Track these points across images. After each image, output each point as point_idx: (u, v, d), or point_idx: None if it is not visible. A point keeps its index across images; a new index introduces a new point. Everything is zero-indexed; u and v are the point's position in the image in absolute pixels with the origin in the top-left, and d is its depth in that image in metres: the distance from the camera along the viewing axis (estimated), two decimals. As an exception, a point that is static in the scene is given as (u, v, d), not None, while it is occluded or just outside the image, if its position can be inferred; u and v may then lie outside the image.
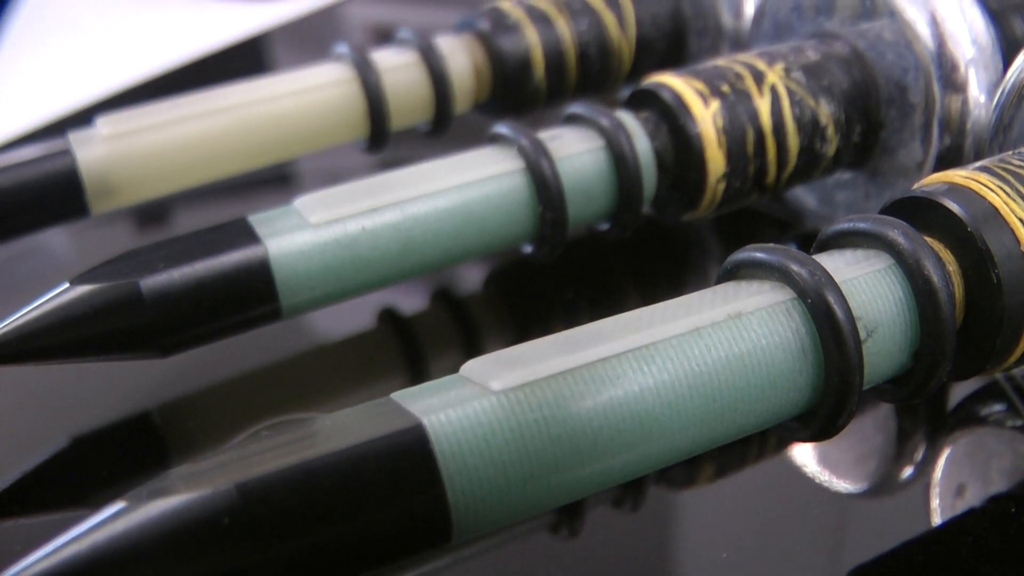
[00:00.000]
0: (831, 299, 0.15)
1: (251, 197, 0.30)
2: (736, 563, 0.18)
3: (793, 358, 0.16)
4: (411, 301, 0.25)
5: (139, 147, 0.23)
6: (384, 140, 0.26)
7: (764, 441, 0.21)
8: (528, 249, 0.22)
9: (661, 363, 0.15)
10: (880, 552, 0.18)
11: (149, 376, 0.22)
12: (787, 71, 0.22)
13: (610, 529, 0.19)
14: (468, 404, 0.14)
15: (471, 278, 0.26)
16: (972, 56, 0.22)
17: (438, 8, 0.44)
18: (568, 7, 0.27)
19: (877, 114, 0.23)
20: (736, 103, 0.22)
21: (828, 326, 0.15)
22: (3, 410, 0.22)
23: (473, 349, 0.24)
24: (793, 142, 0.22)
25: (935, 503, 0.19)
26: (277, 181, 0.32)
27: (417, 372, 0.24)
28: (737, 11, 0.27)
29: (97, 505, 0.13)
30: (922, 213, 0.17)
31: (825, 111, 0.22)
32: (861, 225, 0.17)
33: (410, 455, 0.13)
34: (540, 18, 0.27)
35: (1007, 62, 0.22)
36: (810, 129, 0.22)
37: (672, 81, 0.22)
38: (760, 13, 0.25)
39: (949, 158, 0.22)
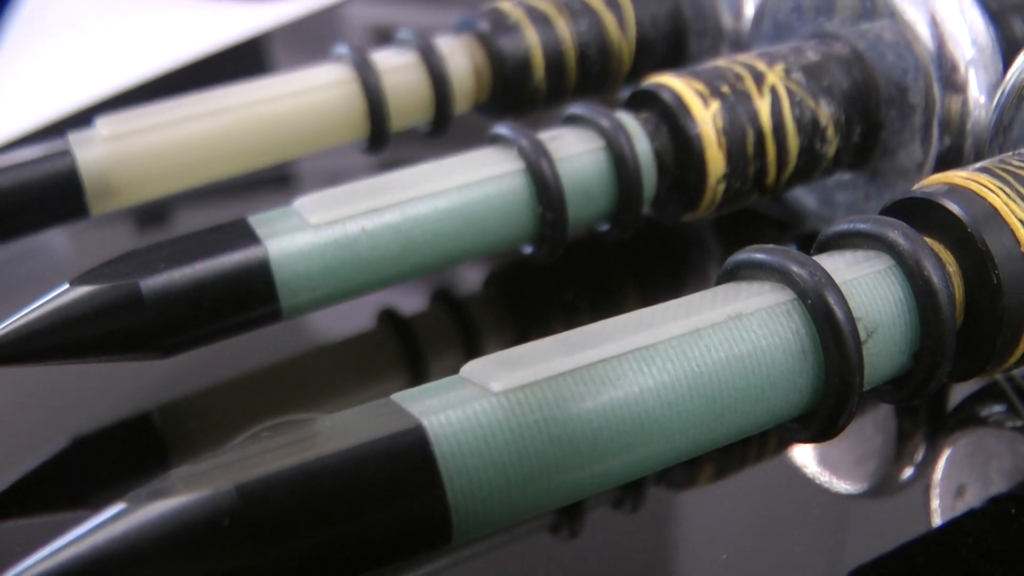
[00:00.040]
0: (831, 300, 0.15)
1: (251, 198, 0.30)
2: (736, 564, 0.18)
3: (793, 359, 0.16)
4: (411, 302, 0.25)
5: (139, 148, 0.23)
6: (384, 141, 0.26)
7: (764, 442, 0.21)
8: (528, 250, 0.22)
9: (661, 364, 0.15)
10: (880, 553, 0.18)
11: (149, 377, 0.22)
12: (787, 72, 0.22)
13: (610, 530, 0.19)
14: (468, 405, 0.14)
15: (471, 279, 0.26)
16: (972, 57, 0.22)
17: (438, 9, 0.44)
18: (568, 8, 0.27)
19: (877, 115, 0.23)
20: (736, 104, 0.22)
21: (828, 327, 0.15)
22: (3, 411, 0.22)
23: (473, 350, 0.24)
24: (793, 143, 0.22)
25: (935, 504, 0.19)
26: (277, 182, 0.32)
27: (417, 373, 0.24)
28: (737, 12, 0.27)
29: (97, 506, 0.13)
30: (922, 214, 0.17)
31: (825, 112, 0.22)
32: (861, 226, 0.17)
33: (410, 456, 0.13)
34: (540, 19, 0.27)
35: (1007, 63, 0.22)
36: (810, 130, 0.22)
37: (672, 82, 0.22)
38: (760, 14, 0.25)
39: (949, 159, 0.22)
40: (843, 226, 0.17)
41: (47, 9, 0.45)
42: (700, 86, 0.22)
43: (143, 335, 0.19)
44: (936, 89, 0.22)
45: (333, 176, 0.29)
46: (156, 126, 0.24)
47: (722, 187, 0.22)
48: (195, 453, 0.21)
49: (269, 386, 0.23)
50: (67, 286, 0.19)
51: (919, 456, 0.21)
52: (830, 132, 0.23)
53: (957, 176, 0.18)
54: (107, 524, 0.12)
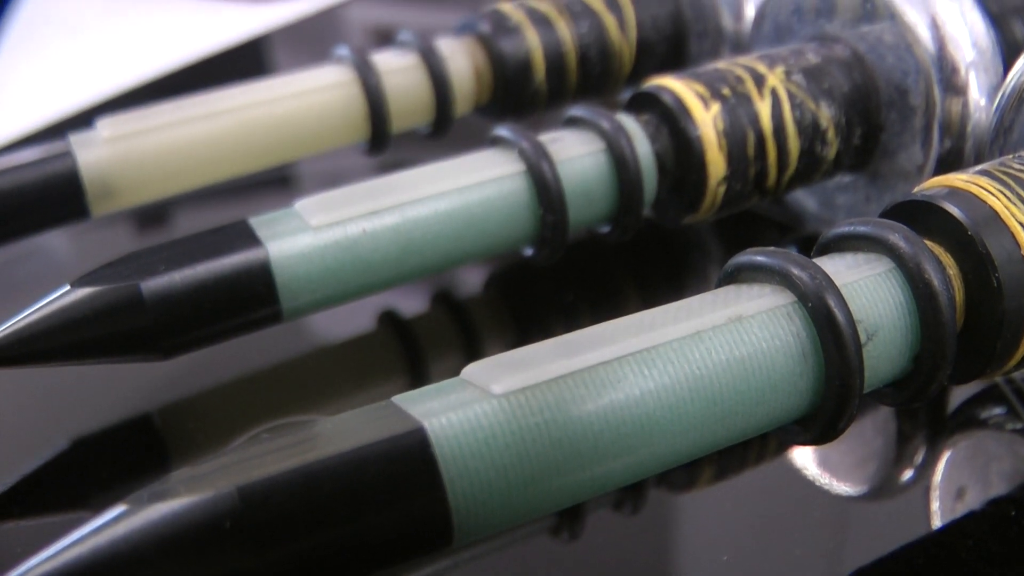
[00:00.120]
0: (832, 303, 0.15)
1: (252, 199, 0.30)
2: (736, 566, 0.18)
3: (794, 362, 0.16)
4: (412, 304, 0.25)
5: (140, 149, 0.23)
6: (385, 142, 0.26)
7: (764, 444, 0.21)
8: (529, 252, 0.22)
9: (662, 366, 0.15)
10: (880, 555, 0.18)
11: (150, 378, 0.22)
12: (788, 74, 0.22)
13: (611, 532, 0.19)
14: (469, 407, 0.14)
15: (472, 281, 0.26)
16: (972, 59, 0.22)
17: (439, 10, 0.44)
18: (569, 9, 0.27)
19: (877, 117, 0.23)
20: (737, 106, 0.22)
21: (829, 330, 0.15)
22: (4, 412, 0.22)
23: (474, 352, 0.24)
24: (794, 145, 0.22)
25: (935, 506, 0.19)
26: (278, 183, 0.32)
27: (418, 375, 0.24)
28: (737, 14, 0.27)
29: (98, 508, 0.13)
30: (922, 217, 0.17)
31: (826, 114, 0.22)
32: (861, 229, 0.17)
33: (411, 458, 0.13)
34: (541, 20, 0.27)
35: (1007, 65, 0.22)
36: (811, 132, 0.22)
37: (673, 84, 0.22)
38: (760, 16, 0.25)
39: (949, 161, 0.22)
40: (843, 228, 0.17)
41: (48, 10, 0.45)
42: (701, 88, 0.22)
43: (144, 337, 0.19)
44: (936, 91, 0.22)
45: (334, 178, 0.28)
46: (157, 127, 0.24)
47: (722, 189, 0.22)
48: (196, 455, 0.21)
49: (270, 388, 0.23)
50: (68, 288, 0.19)
51: (919, 458, 0.21)
52: (831, 134, 0.23)
53: (957, 179, 0.18)
54: (108, 526, 0.12)
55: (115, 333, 0.19)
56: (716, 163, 0.22)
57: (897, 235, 0.17)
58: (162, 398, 0.22)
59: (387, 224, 0.20)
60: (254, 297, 0.20)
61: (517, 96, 0.27)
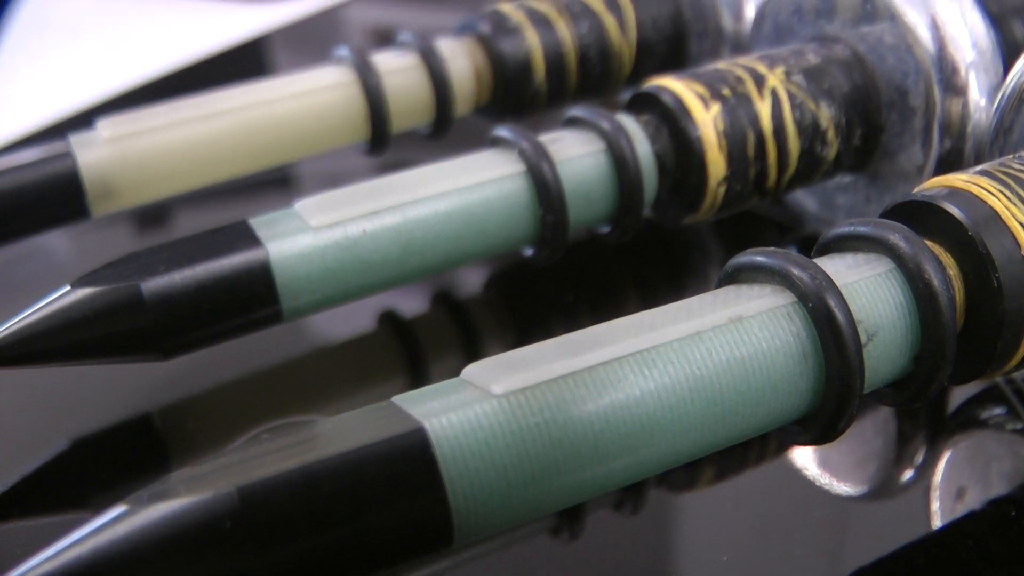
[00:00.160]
0: (832, 303, 0.15)
1: (252, 200, 0.30)
2: (736, 566, 0.18)
3: (794, 362, 0.16)
4: (412, 304, 0.25)
5: (140, 149, 0.23)
6: (385, 143, 0.26)
7: (765, 444, 0.21)
8: (529, 252, 0.22)
9: (662, 367, 0.15)
10: (880, 555, 0.18)
11: (150, 379, 0.22)
12: (788, 74, 0.22)
13: (611, 532, 0.19)
14: (469, 407, 0.14)
15: (472, 281, 0.26)
16: (972, 60, 0.22)
17: (439, 10, 0.44)
18: (569, 10, 0.27)
19: (878, 117, 0.23)
20: (737, 106, 0.22)
21: (829, 330, 0.15)
22: (4, 413, 0.22)
23: (474, 352, 0.24)
24: (794, 145, 0.22)
25: (935, 506, 0.19)
26: (278, 184, 0.32)
27: (418, 375, 0.24)
28: (738, 14, 0.27)
29: (97, 508, 0.13)
30: (923, 217, 0.17)
31: (826, 114, 0.22)
32: (862, 229, 0.17)
33: (411, 458, 0.13)
34: (541, 21, 0.27)
35: (1007, 66, 0.22)
36: (811, 132, 0.22)
37: (673, 84, 0.22)
38: (761, 16, 0.25)
39: (949, 162, 0.22)
40: (844, 229, 0.17)
41: (48, 10, 0.45)
42: (701, 88, 0.22)
43: (144, 337, 0.19)
44: (936, 92, 0.22)
45: (334, 178, 0.29)
46: (157, 128, 0.24)
47: (723, 189, 0.22)
48: (196, 455, 0.21)
49: (270, 388, 0.23)
50: (68, 288, 0.19)
51: (919, 458, 0.21)
52: (831, 135, 0.23)
53: (958, 179, 0.18)
54: (108, 526, 0.12)
55: (115, 333, 0.19)
56: (716, 163, 0.22)
57: (897, 235, 0.17)
58: (162, 398, 0.22)
59: (387, 224, 0.20)
60: (254, 297, 0.20)
61: (517, 96, 0.27)
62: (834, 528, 0.19)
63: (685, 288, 0.27)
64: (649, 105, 0.22)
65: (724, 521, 0.19)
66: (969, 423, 0.21)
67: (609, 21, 0.27)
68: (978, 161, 0.22)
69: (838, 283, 0.16)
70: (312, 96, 0.25)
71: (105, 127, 0.23)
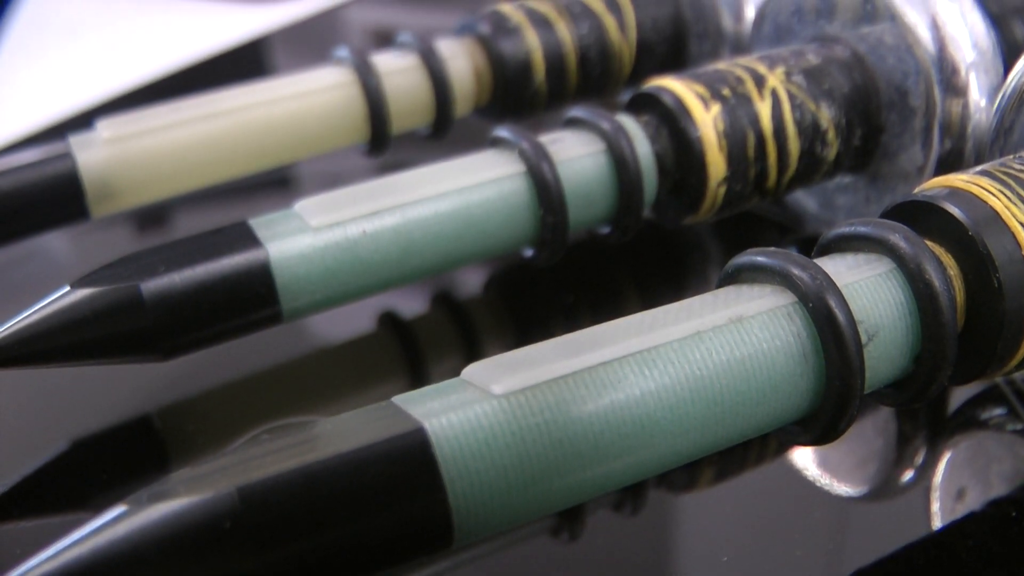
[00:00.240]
0: (832, 303, 0.15)
1: (252, 200, 0.30)
2: (736, 566, 0.18)
3: (794, 362, 0.16)
4: (412, 304, 0.25)
5: (140, 150, 0.23)
6: (385, 143, 0.26)
7: (765, 445, 0.21)
8: (529, 253, 0.22)
9: (662, 367, 0.15)
10: (880, 555, 0.18)
11: (149, 379, 0.22)
12: (788, 75, 0.22)
13: (611, 533, 0.19)
14: (469, 408, 0.14)
15: (472, 282, 0.26)
16: (973, 60, 0.22)
17: (439, 11, 0.44)
18: (569, 10, 0.27)
19: (878, 118, 0.23)
20: (737, 107, 0.22)
21: (829, 330, 0.15)
22: (3, 413, 0.22)
23: (474, 353, 0.24)
24: (794, 146, 0.22)
25: (935, 507, 0.19)
26: (278, 184, 0.32)
27: (418, 376, 0.24)
28: (738, 14, 0.27)
29: (97, 509, 0.13)
30: (923, 217, 0.17)
31: (826, 115, 0.22)
32: (862, 229, 0.17)
33: (411, 459, 0.13)
34: (541, 21, 0.27)
35: (1008, 66, 0.22)
36: (811, 133, 0.22)
37: (673, 84, 0.22)
38: (761, 16, 0.25)
39: (950, 162, 0.22)
40: (844, 229, 0.17)
41: (47, 11, 0.45)
42: (701, 89, 0.22)
43: (143, 338, 0.19)
44: (937, 92, 0.22)
45: (334, 179, 0.28)
46: (157, 129, 0.24)
47: (723, 190, 0.22)
48: (195, 455, 0.21)
49: (270, 389, 0.23)
50: (68, 289, 0.19)
51: (919, 459, 0.21)
52: (831, 135, 0.23)
53: (958, 179, 0.18)
54: (108, 526, 0.12)
55: (115, 334, 0.19)
56: (716, 164, 0.22)
57: (898, 235, 0.17)
58: (162, 399, 0.22)
59: (387, 225, 0.20)
60: (254, 298, 0.20)
61: (517, 97, 0.27)
62: (834, 528, 0.19)
63: (685, 288, 0.27)
64: (649, 105, 0.22)
65: (724, 521, 0.19)
66: (969, 424, 0.21)
67: (609, 22, 0.27)
68: (978, 161, 0.22)
69: (839, 283, 0.16)
70: (312, 97, 0.25)
71: (105, 128, 0.23)
